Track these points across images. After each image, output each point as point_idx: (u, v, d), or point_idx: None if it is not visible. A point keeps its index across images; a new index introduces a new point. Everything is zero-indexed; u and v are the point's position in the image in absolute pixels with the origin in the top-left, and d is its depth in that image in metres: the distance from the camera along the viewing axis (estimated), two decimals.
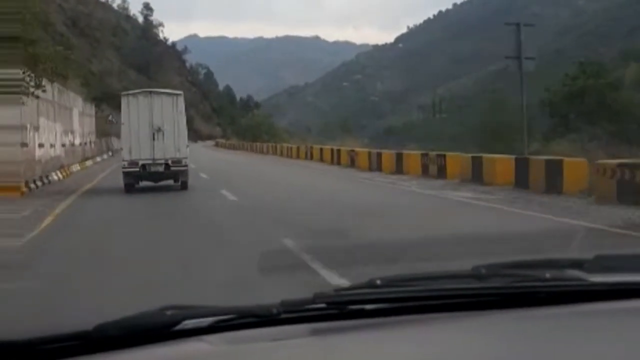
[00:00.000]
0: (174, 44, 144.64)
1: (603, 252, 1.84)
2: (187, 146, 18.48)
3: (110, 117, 54.11)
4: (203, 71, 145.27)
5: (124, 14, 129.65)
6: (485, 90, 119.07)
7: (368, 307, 1.54)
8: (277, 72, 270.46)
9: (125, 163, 17.84)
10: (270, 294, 1.70)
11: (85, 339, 1.38)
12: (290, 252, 7.85)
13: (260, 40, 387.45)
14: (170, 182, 18.33)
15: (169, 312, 1.45)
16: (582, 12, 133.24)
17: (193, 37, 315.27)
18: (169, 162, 17.84)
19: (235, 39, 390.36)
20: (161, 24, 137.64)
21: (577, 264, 1.76)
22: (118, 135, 64.91)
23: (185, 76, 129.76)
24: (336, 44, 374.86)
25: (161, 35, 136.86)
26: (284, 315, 1.48)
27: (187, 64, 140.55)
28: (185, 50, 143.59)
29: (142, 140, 17.79)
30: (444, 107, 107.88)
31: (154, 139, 17.81)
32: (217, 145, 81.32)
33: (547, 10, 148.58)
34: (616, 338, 1.42)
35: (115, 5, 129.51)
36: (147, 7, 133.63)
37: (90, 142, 43.50)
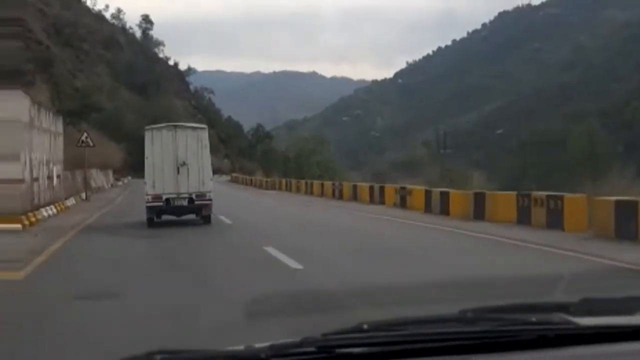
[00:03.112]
0: (176, 64, 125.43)
1: (589, 295, 1.84)
2: (212, 179, 18.44)
3: (85, 137, 32.86)
4: (208, 95, 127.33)
5: (118, 26, 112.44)
6: (488, 127, 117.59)
7: (356, 350, 1.54)
8: (275, 106, 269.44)
9: (149, 197, 17.72)
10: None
11: None
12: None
13: (257, 74, 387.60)
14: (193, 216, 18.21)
15: (158, 357, 1.43)
16: (584, 48, 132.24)
17: (190, 71, 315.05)
18: (193, 196, 17.81)
19: (232, 73, 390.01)
20: (161, 43, 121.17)
21: (563, 307, 1.77)
22: (100, 167, 51.36)
23: (189, 100, 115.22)
24: (333, 79, 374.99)
25: (161, 55, 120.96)
26: None
27: (192, 87, 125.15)
28: (189, 71, 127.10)
29: (166, 174, 17.74)
30: (447, 143, 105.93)
31: (178, 172, 17.78)
32: (234, 180, 66.25)
33: (548, 46, 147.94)
34: None
35: (108, 15, 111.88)
36: (147, 20, 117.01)
37: (53, 177, 25.31)
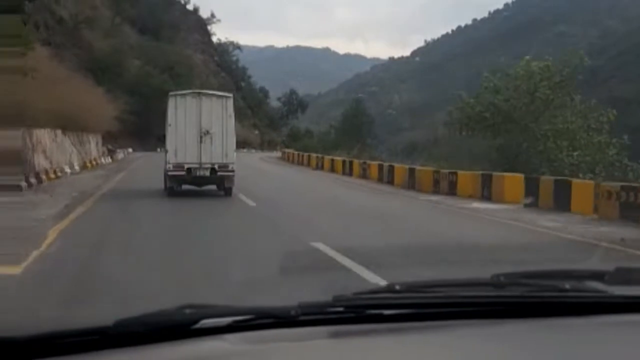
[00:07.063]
0: (196, 9, 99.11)
1: (623, 264, 1.81)
2: (235, 151, 17.83)
3: None
4: (234, 51, 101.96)
5: None
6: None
7: (386, 312, 1.54)
8: (288, 81, 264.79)
9: (170, 166, 17.14)
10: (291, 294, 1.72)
11: (105, 334, 1.38)
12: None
13: (270, 49, 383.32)
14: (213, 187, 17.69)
15: (187, 311, 1.45)
16: (611, 33, 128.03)
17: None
18: (216, 166, 17.28)
19: (245, 47, 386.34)
20: None
21: (597, 276, 1.77)
22: (78, 128, 30.22)
23: (211, 55, 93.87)
24: (347, 56, 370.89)
25: None
26: (302, 317, 1.47)
27: (215, 39, 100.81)
28: (212, 18, 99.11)
29: (188, 143, 17.11)
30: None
31: (201, 142, 17.17)
32: (287, 159, 46.63)
33: (574, 29, 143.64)
34: (635, 350, 1.41)
35: None
36: None
37: None
